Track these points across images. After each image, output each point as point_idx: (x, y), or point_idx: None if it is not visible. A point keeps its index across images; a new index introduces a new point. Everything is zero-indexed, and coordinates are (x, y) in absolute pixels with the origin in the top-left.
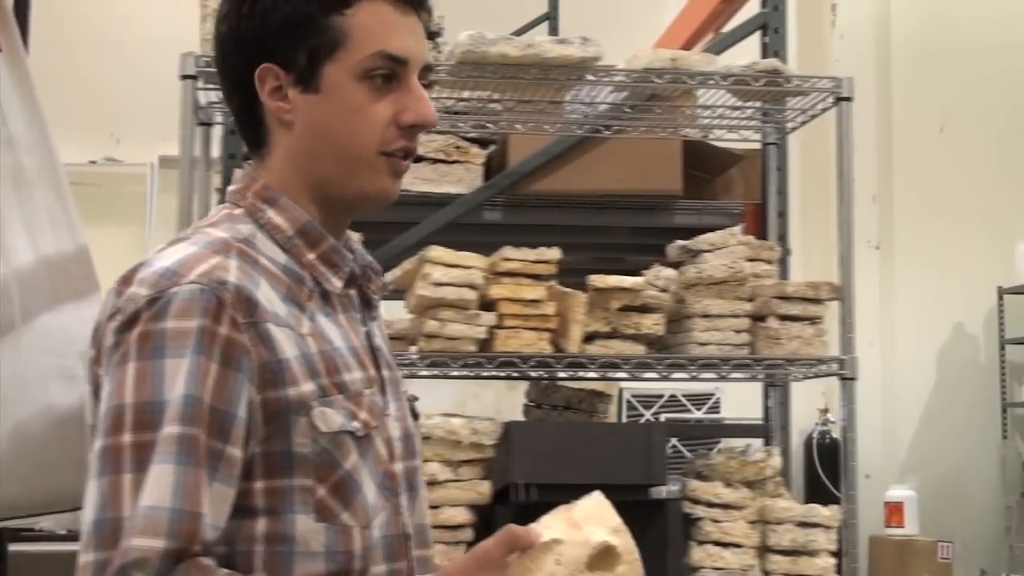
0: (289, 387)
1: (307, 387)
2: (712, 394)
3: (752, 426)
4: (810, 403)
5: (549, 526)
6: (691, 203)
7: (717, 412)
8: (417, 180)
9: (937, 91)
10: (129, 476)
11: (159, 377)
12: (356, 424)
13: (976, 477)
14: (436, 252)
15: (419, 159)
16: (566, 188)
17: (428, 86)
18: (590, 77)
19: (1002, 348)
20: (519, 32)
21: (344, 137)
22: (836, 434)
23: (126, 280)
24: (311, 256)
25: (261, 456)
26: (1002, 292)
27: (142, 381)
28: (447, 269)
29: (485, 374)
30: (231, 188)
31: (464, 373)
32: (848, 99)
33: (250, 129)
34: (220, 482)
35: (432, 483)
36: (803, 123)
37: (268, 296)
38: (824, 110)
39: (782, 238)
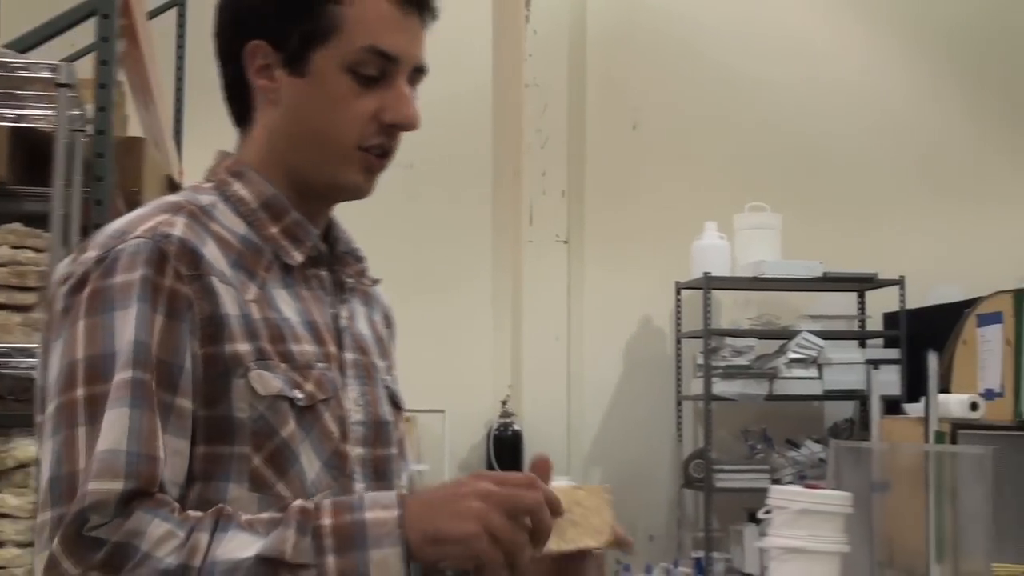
0: (226, 343)
1: (244, 346)
2: None
3: None
4: (496, 395)
5: None
6: (23, 189)
7: None
8: None
9: (631, 89)
10: (84, 429)
11: (109, 330)
12: (298, 393)
13: (656, 468)
14: None
15: None
16: None
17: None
18: None
19: (678, 342)
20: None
21: (323, 125)
22: (518, 426)
23: (82, 248)
24: (274, 229)
25: (204, 420)
26: (679, 288)
27: (92, 336)
28: None
29: None
30: (209, 166)
31: None
32: None
33: (236, 103)
34: (172, 434)
35: None
36: None
37: (215, 256)
38: None
39: None
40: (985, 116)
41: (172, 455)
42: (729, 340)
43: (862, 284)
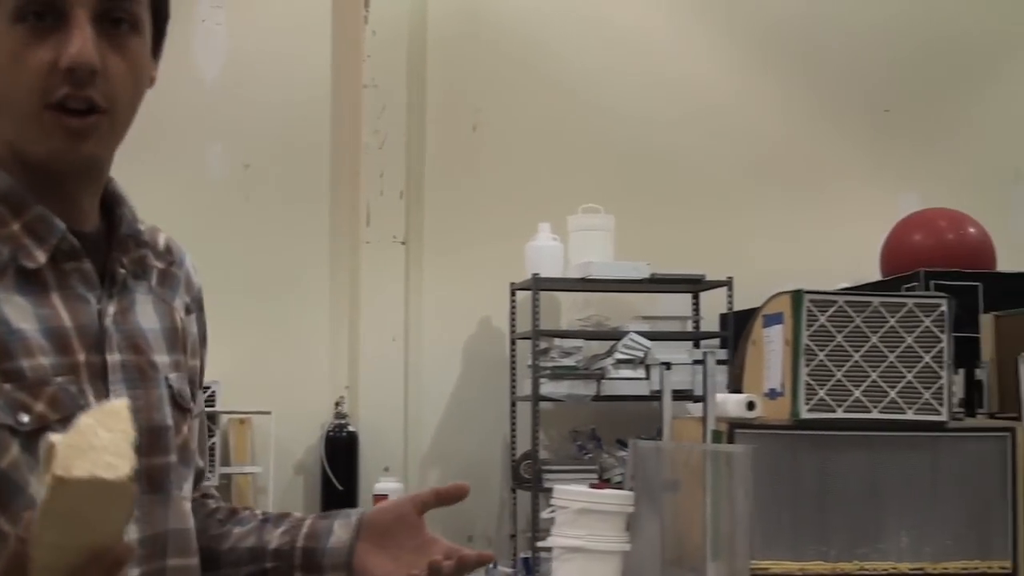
0: None
1: None
2: (208, 387)
3: None
4: (332, 396)
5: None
6: None
7: (213, 405)
8: None
9: (472, 90)
10: None
11: None
12: (24, 417)
13: (491, 469)
14: None
15: None
16: None
17: (122, 24)
18: None
19: (512, 343)
20: None
21: (5, 89)
22: (353, 427)
23: None
24: (15, 226)
25: None
26: (514, 289)
27: None
28: None
29: None
30: None
31: None
32: None
33: None
34: None
35: None
36: None
37: None
38: None
39: None
40: (822, 116)
41: None
42: (558, 341)
43: (692, 285)
